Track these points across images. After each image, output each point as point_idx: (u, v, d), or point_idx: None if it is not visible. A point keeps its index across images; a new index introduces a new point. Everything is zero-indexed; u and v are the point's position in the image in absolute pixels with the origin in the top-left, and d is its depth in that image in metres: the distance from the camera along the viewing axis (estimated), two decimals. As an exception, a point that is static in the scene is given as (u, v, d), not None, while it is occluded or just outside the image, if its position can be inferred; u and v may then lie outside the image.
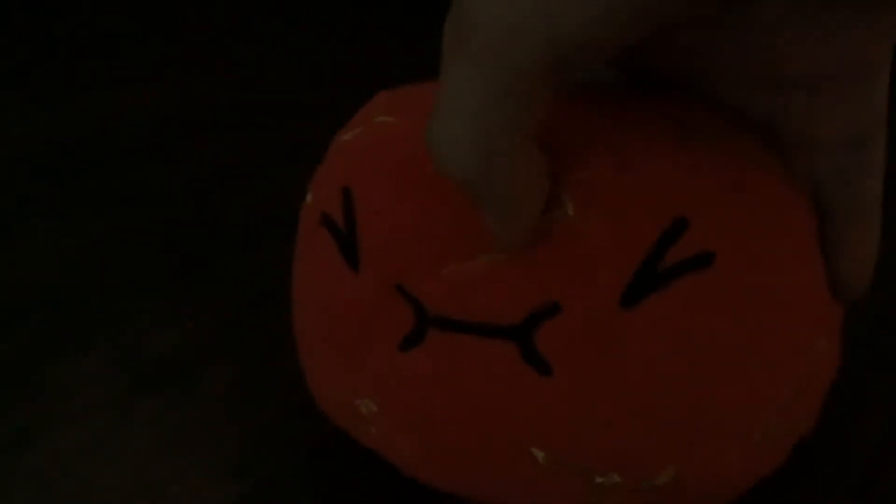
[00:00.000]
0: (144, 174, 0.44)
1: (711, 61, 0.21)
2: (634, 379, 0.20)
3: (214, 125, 0.48)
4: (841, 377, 0.32)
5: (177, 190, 0.43)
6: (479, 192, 0.18)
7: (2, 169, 0.44)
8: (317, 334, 0.24)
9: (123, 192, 0.43)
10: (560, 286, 0.20)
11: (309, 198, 0.25)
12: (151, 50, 0.56)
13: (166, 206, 0.41)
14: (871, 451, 0.29)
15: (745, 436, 0.22)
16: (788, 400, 0.22)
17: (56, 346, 0.33)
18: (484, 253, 0.21)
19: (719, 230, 0.20)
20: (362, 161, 0.23)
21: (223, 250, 0.38)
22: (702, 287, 0.20)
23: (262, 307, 0.35)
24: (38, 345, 0.33)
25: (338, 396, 0.24)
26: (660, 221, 0.20)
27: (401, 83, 0.52)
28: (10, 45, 0.57)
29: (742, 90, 0.21)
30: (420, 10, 0.61)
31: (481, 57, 0.16)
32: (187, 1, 0.63)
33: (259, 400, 0.31)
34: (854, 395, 0.31)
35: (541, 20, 0.16)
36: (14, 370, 0.32)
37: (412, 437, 0.23)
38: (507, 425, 0.22)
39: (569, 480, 0.22)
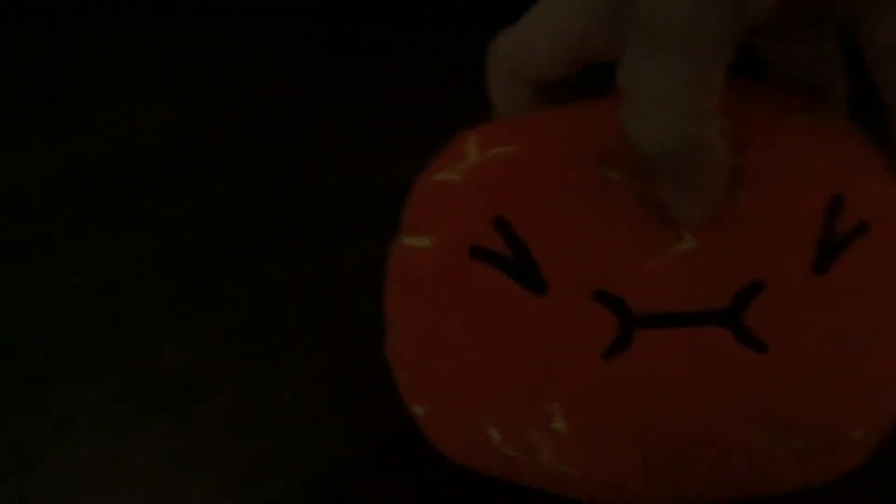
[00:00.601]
0: (148, 196, 0.44)
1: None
2: (838, 338, 0.22)
3: (221, 145, 0.48)
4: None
5: (181, 210, 0.43)
6: (676, 168, 0.21)
7: (7, 194, 0.44)
8: (482, 372, 0.23)
9: (128, 215, 0.43)
10: (757, 265, 0.22)
11: (424, 241, 0.24)
12: (152, 74, 0.56)
13: (170, 227, 0.42)
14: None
15: None
16: None
17: (59, 369, 0.33)
18: (673, 244, 0.22)
19: (866, 202, 0.23)
20: (503, 191, 0.23)
21: (228, 270, 0.39)
22: (867, 250, 0.23)
23: (267, 327, 0.35)
24: (42, 368, 0.33)
25: (507, 430, 0.24)
26: (821, 197, 0.23)
27: (404, 102, 0.52)
28: (17, 71, 0.57)
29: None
30: (416, 26, 0.62)
31: (671, 53, 0.20)
32: (196, 21, 0.63)
33: (264, 421, 0.31)
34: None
35: (706, 22, 0.20)
36: (17, 394, 0.32)
37: (624, 449, 0.23)
38: (731, 409, 0.22)
39: (782, 452, 0.23)
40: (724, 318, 0.22)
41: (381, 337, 0.26)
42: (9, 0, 0.66)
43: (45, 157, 0.48)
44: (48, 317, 0.36)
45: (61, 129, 0.50)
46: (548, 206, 0.23)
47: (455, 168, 0.25)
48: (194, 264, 0.39)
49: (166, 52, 0.59)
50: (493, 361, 0.23)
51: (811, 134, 0.24)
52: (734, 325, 0.22)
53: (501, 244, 0.23)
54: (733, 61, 0.23)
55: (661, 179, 0.22)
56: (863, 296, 0.23)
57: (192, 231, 0.41)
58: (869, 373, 0.23)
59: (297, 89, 0.54)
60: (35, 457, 0.29)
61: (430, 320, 0.24)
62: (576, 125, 0.24)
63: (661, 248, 0.22)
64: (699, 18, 0.20)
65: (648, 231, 0.22)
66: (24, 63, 0.58)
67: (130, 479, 0.29)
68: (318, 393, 0.32)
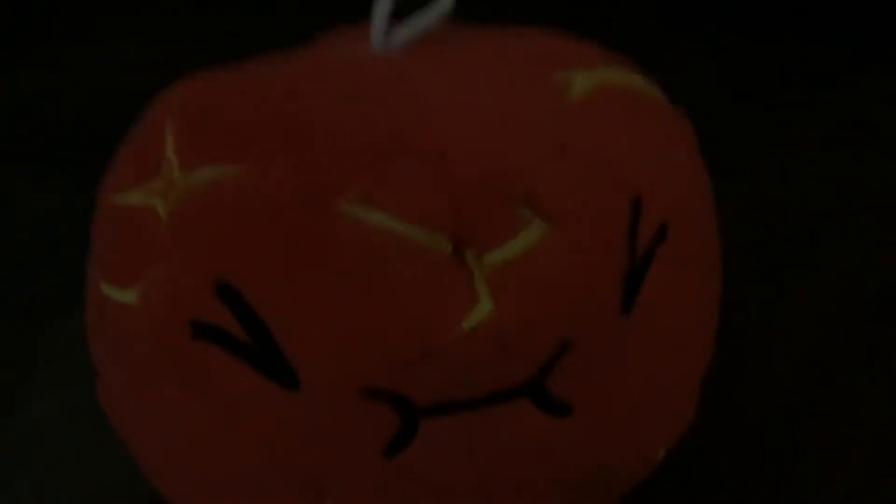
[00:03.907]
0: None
1: None
2: (644, 378, 0.20)
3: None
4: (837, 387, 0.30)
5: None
6: None
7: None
8: (236, 471, 0.19)
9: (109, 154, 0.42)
10: (563, 322, 0.18)
11: (127, 296, 0.19)
12: (130, 8, 0.55)
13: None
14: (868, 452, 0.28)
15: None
16: None
17: (41, 312, 0.33)
18: (463, 314, 0.18)
19: (664, 198, 0.20)
20: (223, 243, 0.18)
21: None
22: (667, 264, 0.20)
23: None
24: (23, 311, 0.33)
25: None
26: (623, 209, 0.19)
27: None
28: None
29: None
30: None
31: None
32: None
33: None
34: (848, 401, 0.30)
35: None
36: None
37: None
38: (530, 489, 0.20)
39: (592, 489, 0.21)
40: (525, 390, 0.18)
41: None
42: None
43: (44, 89, 0.47)
44: (24, 260, 0.35)
45: (44, 64, 0.49)
46: (285, 268, 0.18)
47: (153, 188, 0.19)
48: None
49: None
50: (248, 461, 0.19)
51: (602, 120, 0.20)
52: (536, 394, 0.19)
53: (230, 319, 0.18)
54: None
55: None
56: (666, 324, 0.20)
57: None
58: (671, 395, 0.21)
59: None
60: (12, 402, 0.29)
61: (156, 408, 0.20)
62: (323, 117, 0.19)
63: (448, 324, 0.18)
64: None
65: (428, 299, 0.17)
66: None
67: (109, 428, 0.28)
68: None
